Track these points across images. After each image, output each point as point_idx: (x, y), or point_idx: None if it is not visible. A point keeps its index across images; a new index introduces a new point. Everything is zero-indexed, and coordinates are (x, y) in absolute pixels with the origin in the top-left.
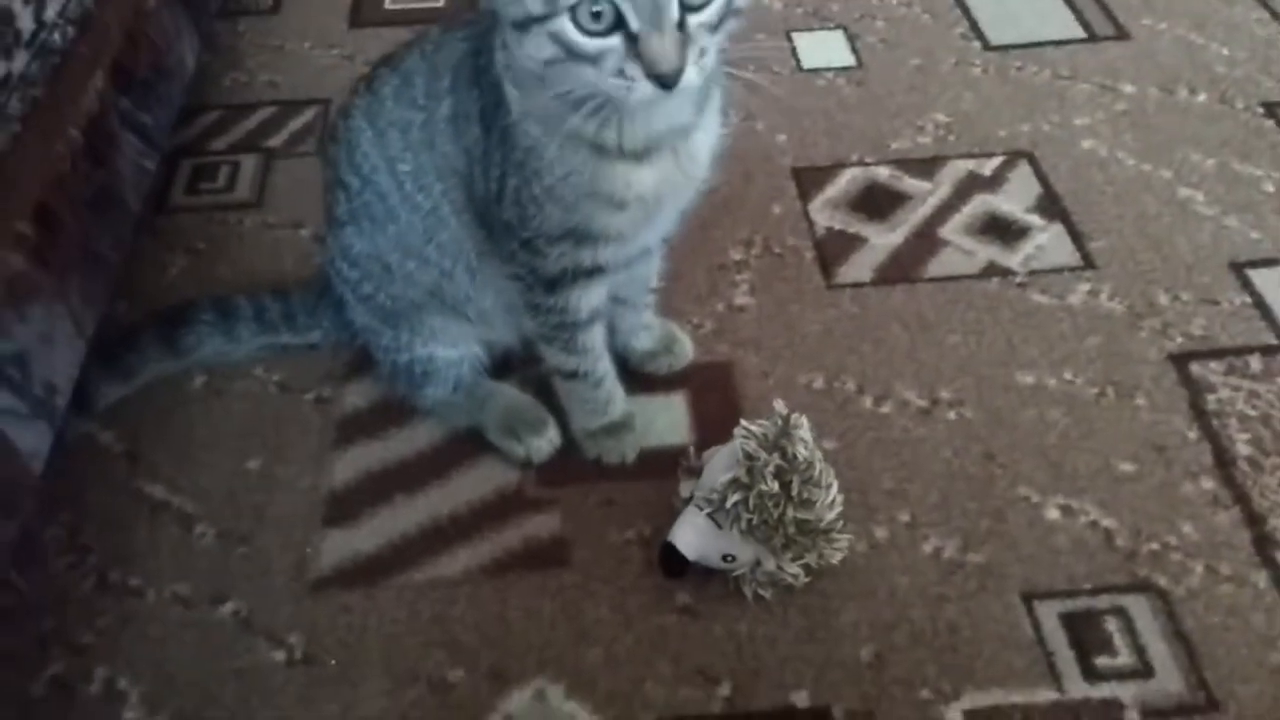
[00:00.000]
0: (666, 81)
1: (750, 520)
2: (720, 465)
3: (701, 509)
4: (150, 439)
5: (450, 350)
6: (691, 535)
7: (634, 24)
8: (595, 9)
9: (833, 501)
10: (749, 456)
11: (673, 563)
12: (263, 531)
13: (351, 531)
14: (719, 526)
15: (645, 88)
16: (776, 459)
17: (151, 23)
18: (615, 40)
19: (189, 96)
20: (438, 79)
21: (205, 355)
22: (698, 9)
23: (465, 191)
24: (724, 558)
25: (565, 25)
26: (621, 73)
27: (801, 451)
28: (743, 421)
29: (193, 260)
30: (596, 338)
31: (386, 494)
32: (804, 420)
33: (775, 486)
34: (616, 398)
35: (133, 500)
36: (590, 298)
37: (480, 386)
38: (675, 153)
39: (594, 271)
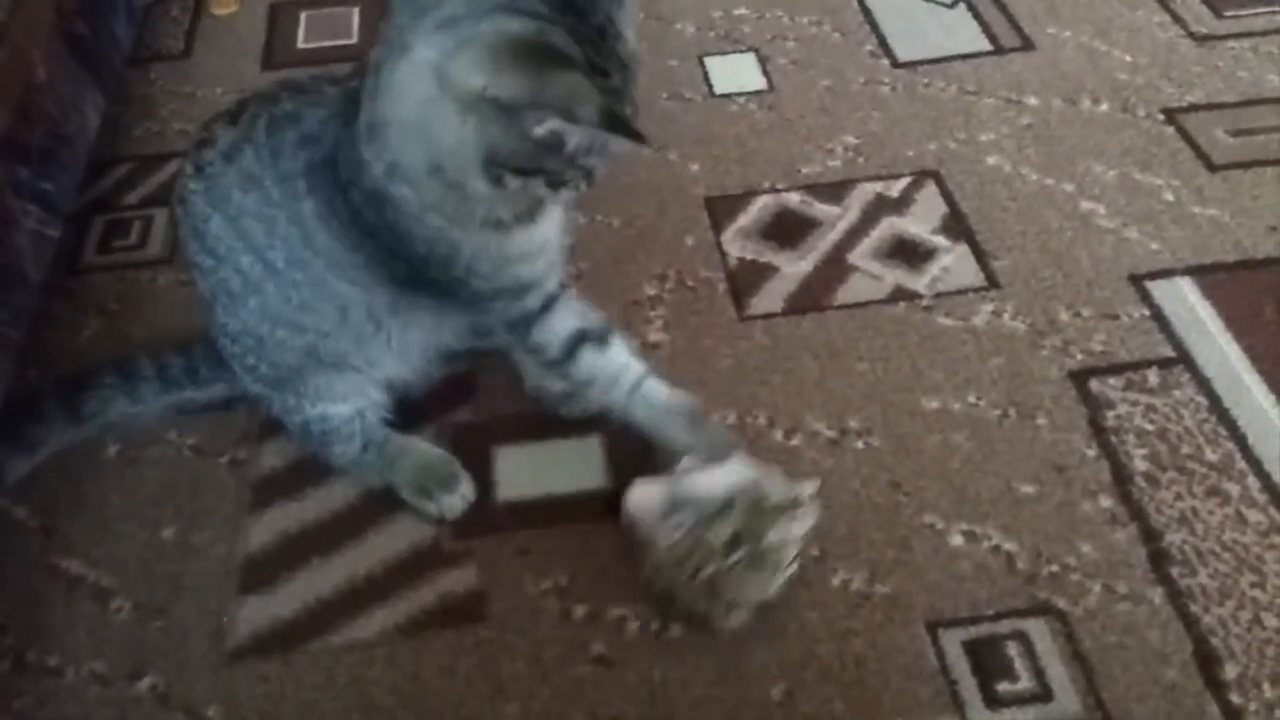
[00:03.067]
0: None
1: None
2: (720, 482)
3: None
4: (65, 512)
5: (342, 405)
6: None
7: None
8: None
9: (772, 586)
10: (737, 509)
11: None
12: (179, 602)
13: (268, 597)
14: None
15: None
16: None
17: (43, 93)
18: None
19: (99, 151)
20: (289, 182)
21: (111, 419)
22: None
23: (361, 262)
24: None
25: None
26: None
27: (771, 537)
28: (772, 470)
29: (106, 322)
30: (594, 362)
31: (303, 556)
32: (810, 512)
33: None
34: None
35: (48, 576)
36: (554, 329)
37: (391, 443)
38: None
39: (533, 314)
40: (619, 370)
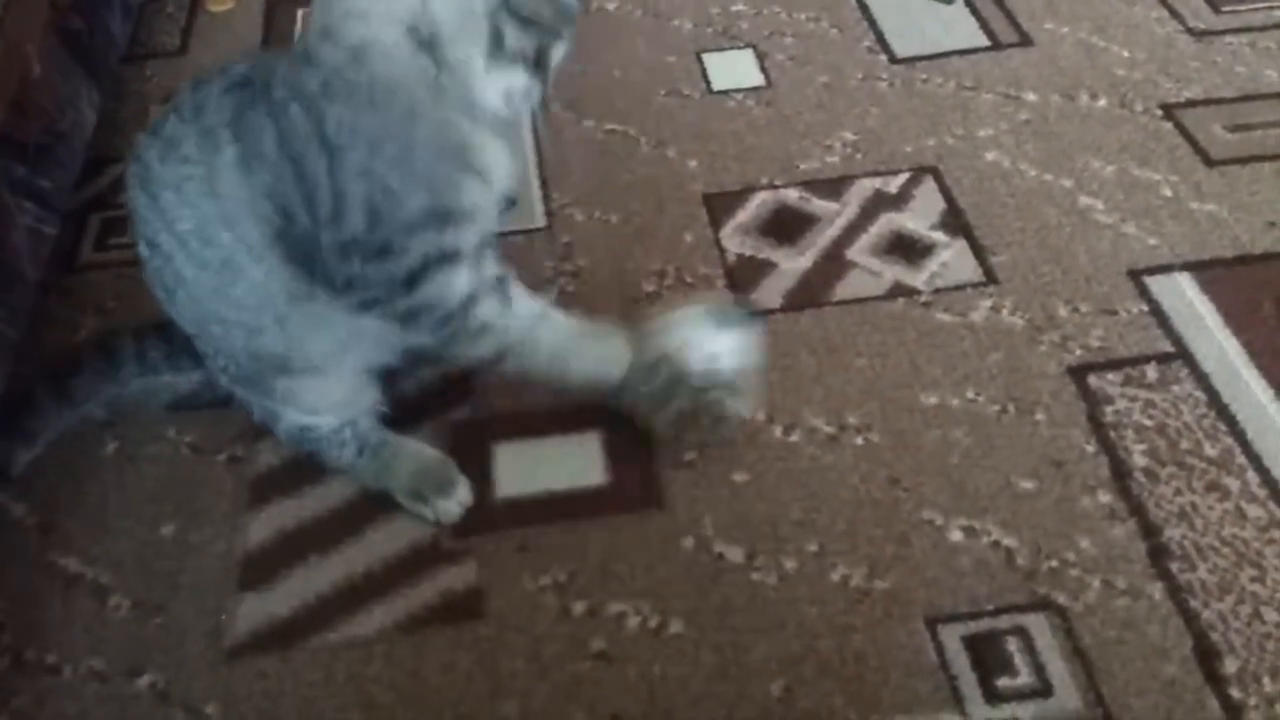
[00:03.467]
0: None
1: None
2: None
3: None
4: (63, 509)
5: (318, 418)
6: None
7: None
8: None
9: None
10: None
11: None
12: (178, 600)
13: (267, 595)
14: None
15: None
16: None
17: (39, 89)
18: None
19: (95, 148)
20: (210, 135)
21: (104, 399)
22: None
23: (268, 231)
24: None
25: None
26: None
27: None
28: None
29: (103, 320)
30: (491, 310)
31: (301, 554)
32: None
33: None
34: (603, 351)
35: (46, 574)
36: (457, 283)
37: (386, 447)
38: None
39: (454, 256)
40: (522, 310)
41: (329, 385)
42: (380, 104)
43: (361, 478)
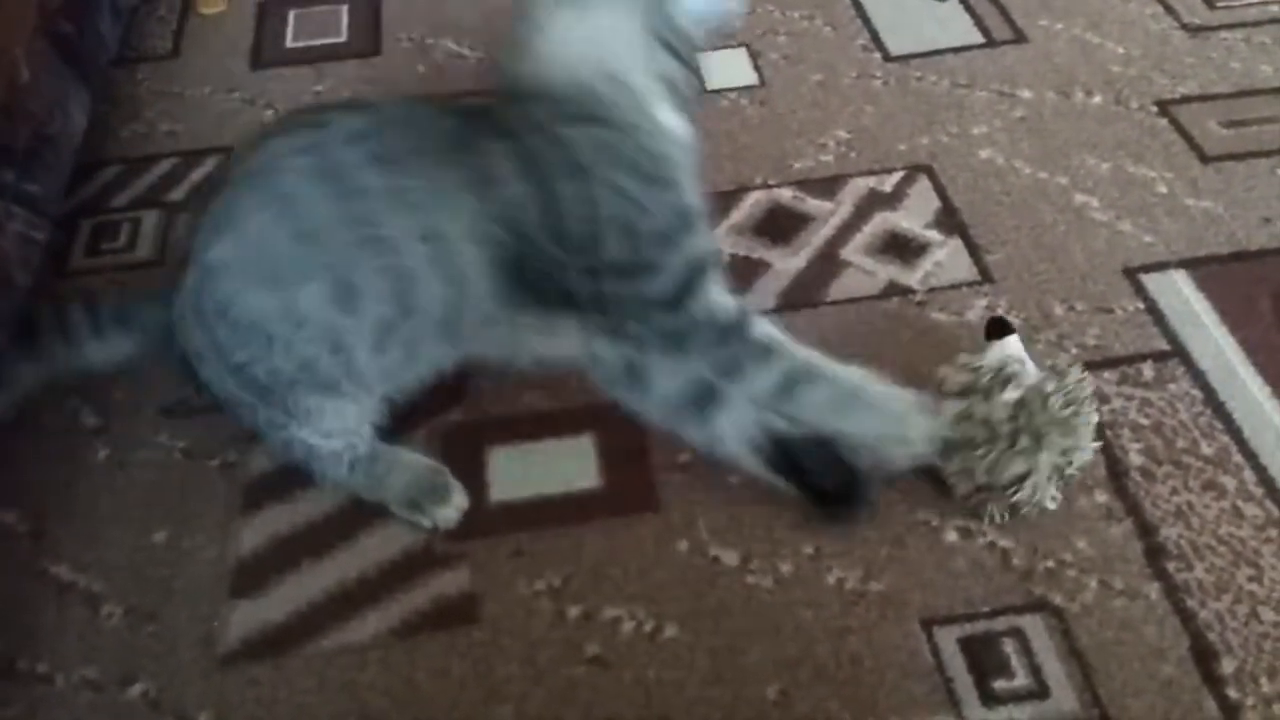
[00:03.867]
0: None
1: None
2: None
3: None
4: (54, 516)
5: (324, 441)
6: None
7: None
8: None
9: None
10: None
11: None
12: (170, 607)
13: (260, 601)
14: None
15: None
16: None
17: (28, 93)
18: None
19: (85, 153)
20: (429, 155)
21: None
22: None
23: (485, 251)
24: None
25: None
26: None
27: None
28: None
29: None
30: (769, 328)
31: (294, 560)
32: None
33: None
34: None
35: (38, 582)
36: (721, 292)
37: (378, 461)
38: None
39: (705, 263)
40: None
41: (352, 410)
42: (610, 123)
43: (354, 490)
